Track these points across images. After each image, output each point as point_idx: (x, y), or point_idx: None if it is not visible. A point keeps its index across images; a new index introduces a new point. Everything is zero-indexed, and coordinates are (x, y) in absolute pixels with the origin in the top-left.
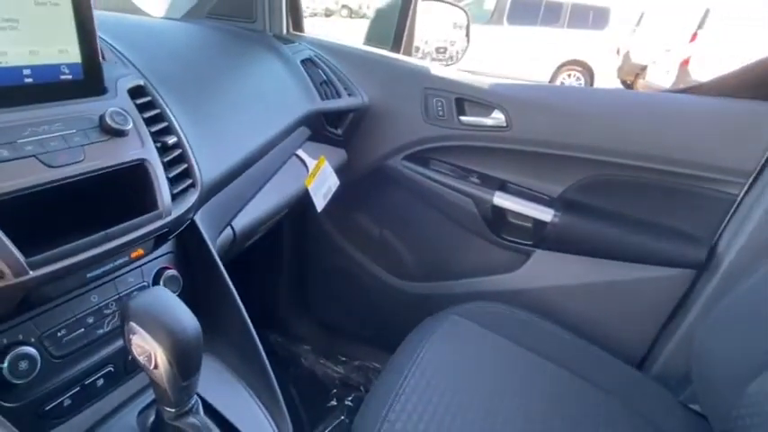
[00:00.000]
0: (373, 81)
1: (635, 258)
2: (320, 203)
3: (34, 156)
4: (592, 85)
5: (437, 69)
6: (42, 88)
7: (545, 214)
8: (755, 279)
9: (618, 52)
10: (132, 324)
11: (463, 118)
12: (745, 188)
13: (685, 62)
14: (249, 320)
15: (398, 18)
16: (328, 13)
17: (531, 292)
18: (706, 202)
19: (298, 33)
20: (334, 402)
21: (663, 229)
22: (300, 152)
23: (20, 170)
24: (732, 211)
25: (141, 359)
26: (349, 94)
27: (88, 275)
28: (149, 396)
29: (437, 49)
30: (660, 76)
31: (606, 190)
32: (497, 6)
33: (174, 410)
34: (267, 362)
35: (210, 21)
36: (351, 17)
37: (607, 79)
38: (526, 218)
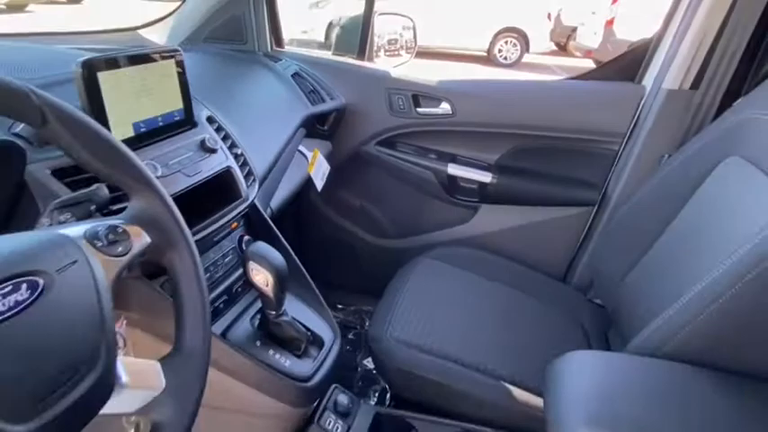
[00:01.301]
0: (347, 85)
1: (552, 203)
2: (319, 185)
3: (179, 171)
4: (528, 48)
5: (395, 72)
6: (167, 127)
7: (485, 177)
8: (629, 206)
9: (549, 17)
10: (252, 263)
11: (419, 109)
12: (622, 145)
13: (609, 23)
14: (301, 264)
15: (361, 31)
16: None
17: (480, 236)
18: (597, 157)
19: (280, 50)
20: None
21: (569, 180)
22: (301, 147)
23: (175, 181)
24: (615, 162)
25: (258, 282)
26: (331, 98)
27: (214, 239)
28: (252, 310)
29: (389, 41)
30: (589, 37)
31: (528, 155)
32: None
33: (275, 313)
34: (316, 289)
35: (207, 45)
36: None
37: (540, 42)
38: (472, 181)
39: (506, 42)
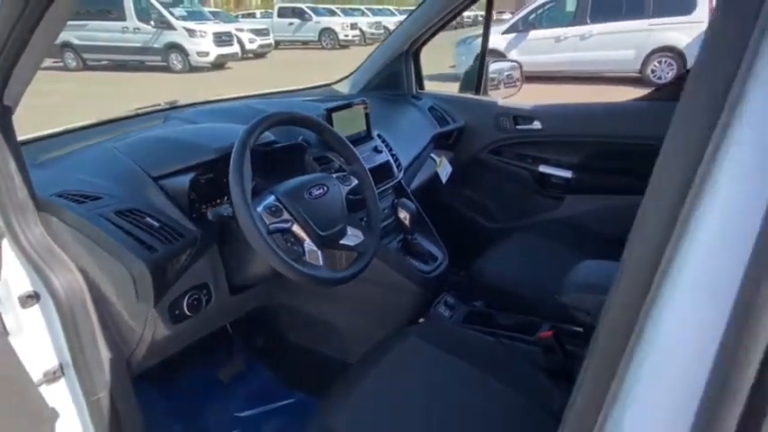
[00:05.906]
0: (467, 112)
1: (626, 192)
2: (444, 179)
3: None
4: (685, 66)
5: (501, 102)
6: (358, 140)
7: (568, 174)
8: None
9: None
10: (400, 207)
11: (518, 126)
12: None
13: None
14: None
15: (477, 75)
16: None
17: (566, 219)
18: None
19: (421, 92)
20: None
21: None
22: (432, 154)
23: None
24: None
25: (401, 217)
26: (453, 122)
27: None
28: (396, 240)
29: (507, 77)
30: None
31: (600, 157)
32: (579, 6)
33: (410, 237)
34: (433, 228)
35: (375, 92)
36: None
37: None
38: (559, 177)
39: (660, 62)
